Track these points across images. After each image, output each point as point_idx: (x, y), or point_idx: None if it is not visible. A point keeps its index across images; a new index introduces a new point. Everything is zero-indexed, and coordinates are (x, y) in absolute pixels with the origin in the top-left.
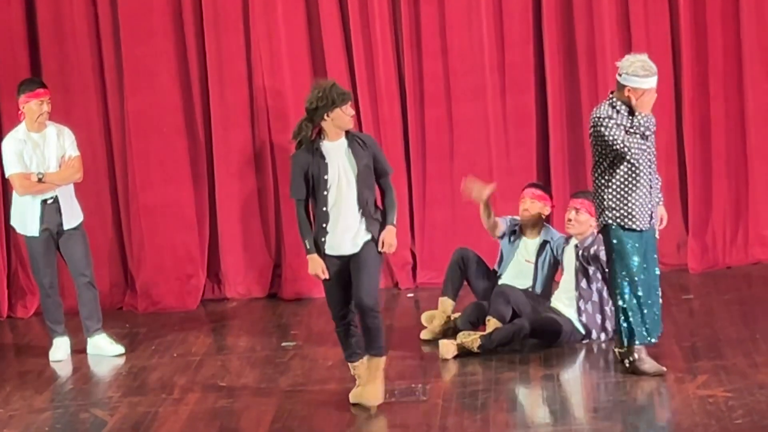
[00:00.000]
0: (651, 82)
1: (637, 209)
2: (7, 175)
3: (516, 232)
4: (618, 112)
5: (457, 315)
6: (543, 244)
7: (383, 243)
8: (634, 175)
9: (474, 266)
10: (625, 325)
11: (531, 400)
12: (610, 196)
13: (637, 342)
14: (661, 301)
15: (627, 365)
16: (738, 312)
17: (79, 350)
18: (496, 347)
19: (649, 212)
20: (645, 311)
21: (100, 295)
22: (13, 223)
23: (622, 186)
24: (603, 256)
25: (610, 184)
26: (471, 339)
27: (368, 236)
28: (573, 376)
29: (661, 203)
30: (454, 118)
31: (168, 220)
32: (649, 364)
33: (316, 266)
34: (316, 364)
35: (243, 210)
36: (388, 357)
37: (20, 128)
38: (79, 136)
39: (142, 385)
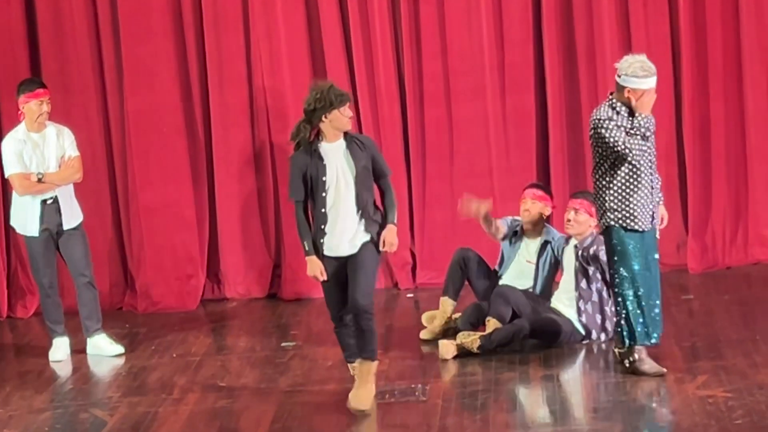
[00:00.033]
0: (650, 83)
1: (638, 210)
2: (6, 175)
3: (517, 232)
4: (618, 113)
5: (457, 315)
6: (544, 245)
7: (384, 242)
8: (635, 176)
9: (475, 266)
10: (625, 325)
11: (531, 400)
12: (611, 198)
13: (637, 342)
14: (660, 301)
15: (627, 365)
16: (738, 312)
17: (78, 350)
18: (495, 348)
19: (651, 213)
20: (646, 312)
21: (100, 295)
22: (12, 223)
23: (624, 187)
24: (603, 256)
25: (611, 185)
26: (471, 339)
27: (366, 237)
28: (573, 376)
29: (661, 203)
30: (453, 118)
31: (168, 220)
32: (649, 364)
33: (315, 268)
34: (316, 365)
35: (243, 210)
36: (388, 357)
37: (20, 128)
38: (79, 137)
39: (142, 386)
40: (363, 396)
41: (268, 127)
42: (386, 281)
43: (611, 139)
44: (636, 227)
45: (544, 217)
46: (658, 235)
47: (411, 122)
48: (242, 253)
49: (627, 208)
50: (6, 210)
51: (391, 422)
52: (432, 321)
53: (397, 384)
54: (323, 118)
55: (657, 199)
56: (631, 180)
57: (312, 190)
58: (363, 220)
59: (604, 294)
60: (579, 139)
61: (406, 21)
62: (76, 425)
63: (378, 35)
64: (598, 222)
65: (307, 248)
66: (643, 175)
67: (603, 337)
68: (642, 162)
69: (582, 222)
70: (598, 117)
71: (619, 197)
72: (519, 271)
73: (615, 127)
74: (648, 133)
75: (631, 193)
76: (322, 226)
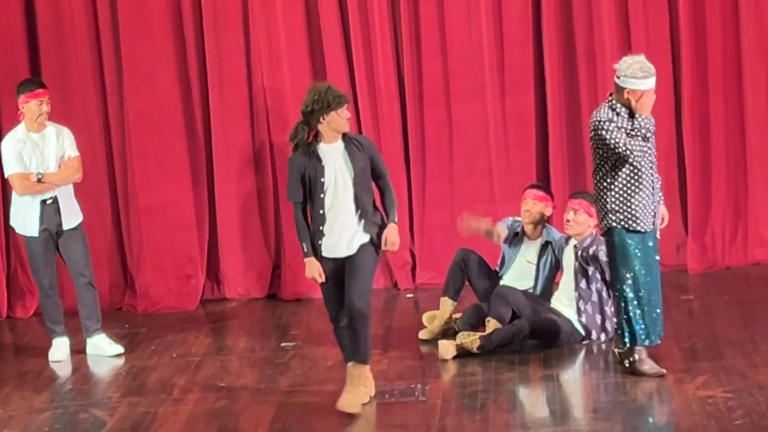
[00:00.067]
0: (650, 83)
1: (640, 211)
2: (6, 176)
3: (518, 234)
4: (618, 114)
5: (458, 315)
6: (545, 245)
7: (386, 241)
8: (636, 177)
9: (476, 267)
10: (626, 326)
11: (531, 400)
12: (612, 199)
13: (638, 344)
14: (661, 303)
15: (627, 365)
16: (737, 313)
17: (78, 350)
18: (495, 348)
19: (652, 213)
20: (647, 313)
21: (100, 295)
22: (12, 223)
23: (625, 188)
24: (602, 256)
25: (612, 187)
26: (470, 339)
27: (365, 239)
28: (573, 376)
29: (661, 202)
30: (453, 119)
31: (167, 220)
32: (648, 365)
33: (313, 269)
34: (316, 365)
35: (242, 210)
36: (388, 357)
37: (19, 128)
38: (79, 137)
39: (142, 386)
40: (353, 399)
41: (267, 128)
42: (386, 281)
43: (612, 141)
44: (638, 228)
45: (545, 218)
46: (658, 235)
47: (411, 122)
48: (242, 254)
49: (629, 210)
50: (6, 210)
51: (390, 422)
52: (432, 321)
53: (397, 384)
54: (321, 120)
55: (657, 199)
56: (633, 181)
57: (310, 191)
58: (362, 221)
59: (604, 294)
60: (579, 139)
61: (406, 21)
62: (75, 425)
63: (378, 35)
64: (600, 224)
65: (305, 250)
66: (644, 176)
67: (603, 337)
68: (643, 163)
69: (581, 222)
70: (599, 119)
71: (621, 199)
72: (520, 272)
73: (616, 129)
74: (649, 134)
75: (633, 194)
76: (321, 228)
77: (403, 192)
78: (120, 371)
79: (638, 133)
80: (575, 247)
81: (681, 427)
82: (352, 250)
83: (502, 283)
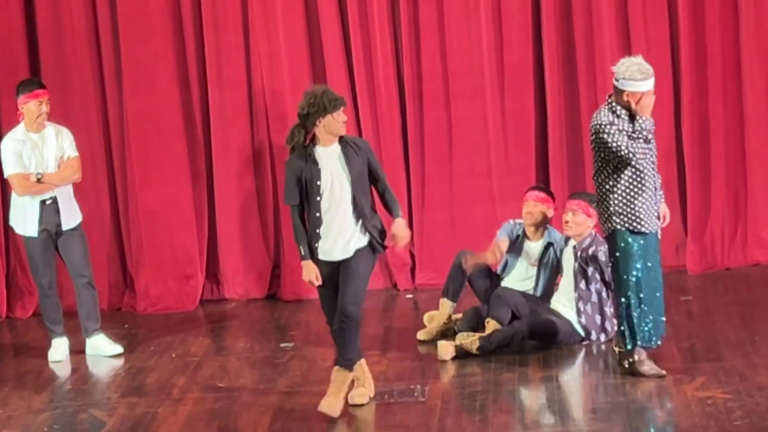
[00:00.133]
0: (648, 85)
1: (643, 212)
2: (6, 176)
3: (519, 237)
4: (618, 116)
5: (458, 316)
6: (546, 247)
7: (396, 237)
8: (639, 178)
9: (476, 269)
10: (627, 327)
11: (530, 401)
12: (616, 202)
13: (639, 345)
14: (662, 304)
15: (626, 366)
16: (737, 313)
17: (77, 351)
18: (494, 349)
19: (655, 214)
20: (648, 314)
21: (99, 295)
22: (11, 223)
23: (628, 190)
24: (602, 256)
25: (615, 189)
26: (470, 340)
27: (363, 242)
28: (572, 377)
29: (662, 200)
30: (453, 119)
31: (167, 220)
32: (648, 366)
33: (310, 273)
34: (315, 365)
35: (242, 211)
36: (387, 358)
37: (19, 129)
38: (78, 137)
39: (141, 386)
40: (333, 403)
41: (267, 128)
42: (385, 282)
43: (614, 145)
44: (642, 229)
45: (547, 219)
46: (659, 236)
47: (410, 123)
48: (241, 254)
49: (632, 211)
50: (5, 210)
51: (390, 423)
52: (432, 321)
53: (396, 385)
54: (317, 123)
55: (659, 199)
56: (635, 183)
57: (307, 194)
58: (360, 224)
59: (604, 295)
60: (578, 140)
61: (406, 21)
62: (75, 425)
63: (377, 35)
64: (602, 227)
65: (302, 253)
66: (646, 177)
67: (603, 337)
68: (645, 165)
69: (580, 223)
70: (599, 122)
71: (624, 200)
72: (522, 274)
73: (617, 132)
74: (650, 136)
75: (636, 195)
76: (317, 230)
77: (403, 192)
78: (119, 371)
79: (639, 136)
80: (574, 247)
81: (680, 428)
82: (349, 254)
83: (503, 284)
